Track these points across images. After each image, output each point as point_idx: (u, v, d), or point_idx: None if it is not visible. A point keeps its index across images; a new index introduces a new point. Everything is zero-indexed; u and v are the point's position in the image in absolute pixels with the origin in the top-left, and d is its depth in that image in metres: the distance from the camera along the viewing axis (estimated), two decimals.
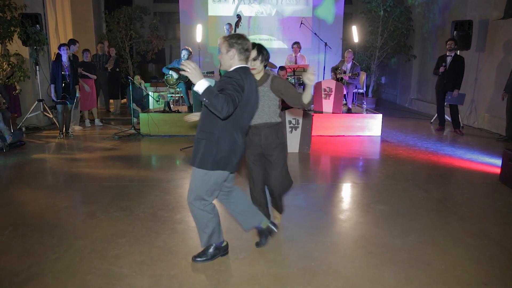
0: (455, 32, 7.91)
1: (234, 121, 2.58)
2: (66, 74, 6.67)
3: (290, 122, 5.96)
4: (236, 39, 2.58)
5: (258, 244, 3.02)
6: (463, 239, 3.21)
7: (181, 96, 8.05)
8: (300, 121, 5.95)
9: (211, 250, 2.82)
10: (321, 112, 7.31)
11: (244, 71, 2.58)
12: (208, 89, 2.31)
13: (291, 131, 5.97)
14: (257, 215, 2.96)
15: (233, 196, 2.90)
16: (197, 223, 2.77)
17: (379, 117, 7.28)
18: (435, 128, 7.90)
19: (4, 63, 7.22)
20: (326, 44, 8.48)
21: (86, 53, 8.05)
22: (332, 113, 7.30)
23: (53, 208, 3.77)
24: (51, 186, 4.47)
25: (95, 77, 8.05)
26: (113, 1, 11.62)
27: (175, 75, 7.52)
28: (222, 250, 2.87)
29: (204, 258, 2.81)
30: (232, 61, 2.60)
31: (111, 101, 10.00)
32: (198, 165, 2.58)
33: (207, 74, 7.30)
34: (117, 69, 9.65)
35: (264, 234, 3.01)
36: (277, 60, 7.85)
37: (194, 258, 2.82)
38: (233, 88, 2.42)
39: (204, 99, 2.32)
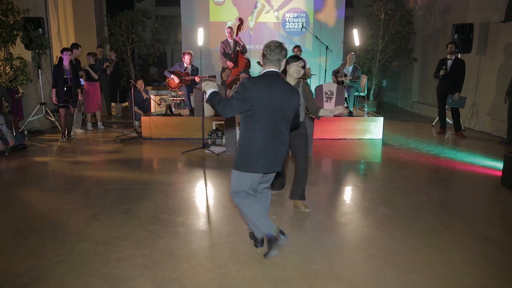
0: (456, 35, 7.92)
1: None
2: (67, 78, 6.70)
3: None
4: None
5: (266, 255, 2.90)
6: (465, 242, 3.21)
7: (183, 99, 8.08)
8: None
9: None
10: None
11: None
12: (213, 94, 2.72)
13: None
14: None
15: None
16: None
17: (380, 120, 7.29)
18: (437, 131, 7.90)
19: (7, 66, 7.26)
20: (327, 47, 8.49)
21: (89, 57, 8.08)
22: (334, 116, 7.31)
23: (55, 211, 3.79)
24: (53, 189, 4.49)
25: (96, 76, 8.06)
26: (115, 5, 11.69)
27: (176, 79, 7.54)
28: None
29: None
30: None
31: (113, 104, 10.03)
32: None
33: (209, 78, 7.33)
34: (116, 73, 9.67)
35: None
36: None
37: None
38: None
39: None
